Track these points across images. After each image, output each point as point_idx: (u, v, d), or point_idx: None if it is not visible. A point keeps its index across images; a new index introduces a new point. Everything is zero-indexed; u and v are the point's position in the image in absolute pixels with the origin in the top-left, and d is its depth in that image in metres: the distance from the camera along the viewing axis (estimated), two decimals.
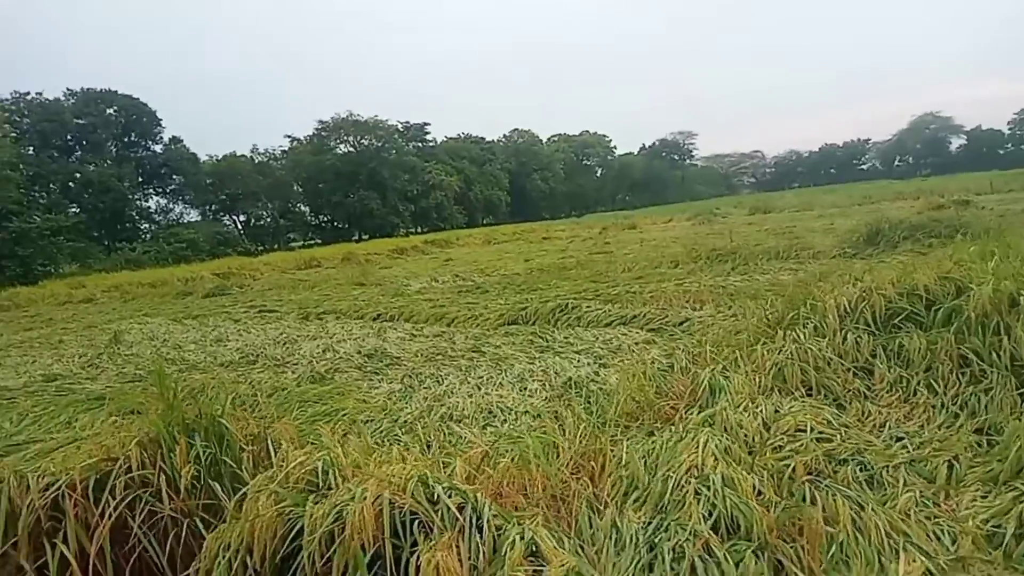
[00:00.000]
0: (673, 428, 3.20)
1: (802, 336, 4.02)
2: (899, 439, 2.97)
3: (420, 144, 69.11)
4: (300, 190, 63.37)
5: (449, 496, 2.02)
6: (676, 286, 9.11)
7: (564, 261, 16.23)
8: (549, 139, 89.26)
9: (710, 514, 2.16)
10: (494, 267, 16.48)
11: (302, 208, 65.22)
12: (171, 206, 56.66)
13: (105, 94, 50.28)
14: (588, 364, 5.31)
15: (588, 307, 7.57)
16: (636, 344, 5.88)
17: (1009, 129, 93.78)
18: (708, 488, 2.25)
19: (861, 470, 2.57)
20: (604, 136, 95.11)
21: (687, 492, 2.28)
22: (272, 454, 2.76)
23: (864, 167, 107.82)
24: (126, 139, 52.51)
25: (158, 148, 54.36)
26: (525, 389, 4.73)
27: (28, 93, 46.77)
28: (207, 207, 58.42)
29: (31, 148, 45.60)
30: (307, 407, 4.58)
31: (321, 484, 2.23)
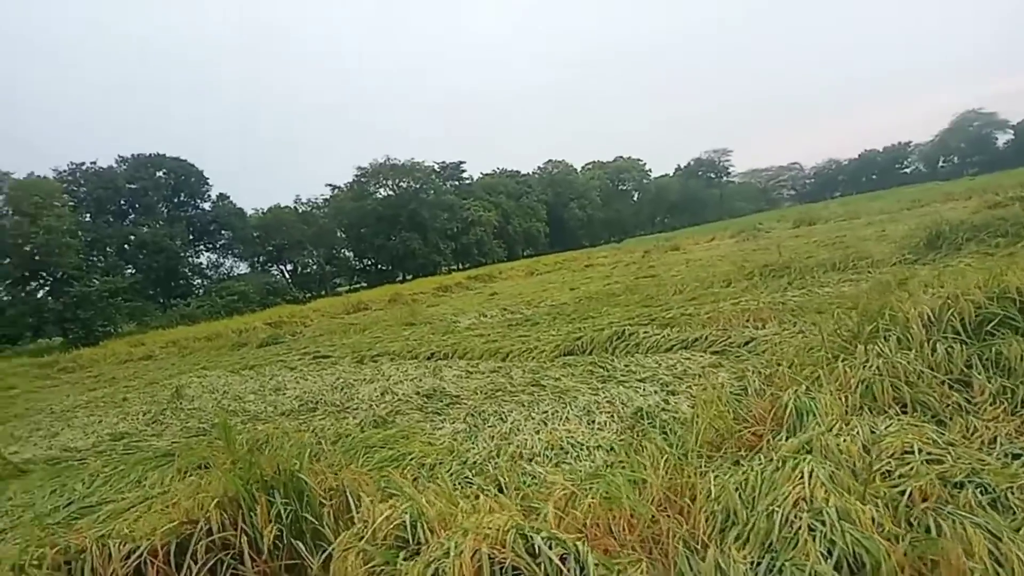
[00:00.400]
0: (763, 456, 3.02)
1: (887, 349, 3.79)
2: (1016, 456, 2.73)
3: (457, 183, 70.18)
4: (343, 236, 64.71)
5: (549, 547, 1.90)
6: (733, 305, 8.88)
7: (610, 287, 16.04)
8: (583, 167, 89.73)
9: (829, 552, 1.98)
10: (540, 298, 16.39)
11: (346, 253, 66.52)
12: (221, 260, 58.51)
13: (154, 158, 52.58)
14: (655, 392, 5.13)
15: (645, 333, 7.38)
16: (702, 368, 5.68)
17: None
18: (823, 522, 2.08)
19: (982, 493, 2.35)
20: (638, 160, 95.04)
21: (799, 528, 2.10)
22: (353, 508, 2.68)
23: (907, 170, 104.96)
24: (176, 199, 54.66)
25: (206, 206, 56.44)
26: (593, 422, 4.58)
27: (83, 163, 49.16)
28: (255, 259, 60.04)
29: (88, 215, 47.77)
30: (373, 453, 4.51)
31: (411, 539, 2.13)
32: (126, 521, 4.18)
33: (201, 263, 57.39)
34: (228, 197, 57.52)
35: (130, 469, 5.48)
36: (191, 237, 54.92)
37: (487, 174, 77.19)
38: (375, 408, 6.48)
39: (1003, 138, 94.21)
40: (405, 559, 1.97)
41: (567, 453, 4.01)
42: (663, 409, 4.54)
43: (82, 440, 7.62)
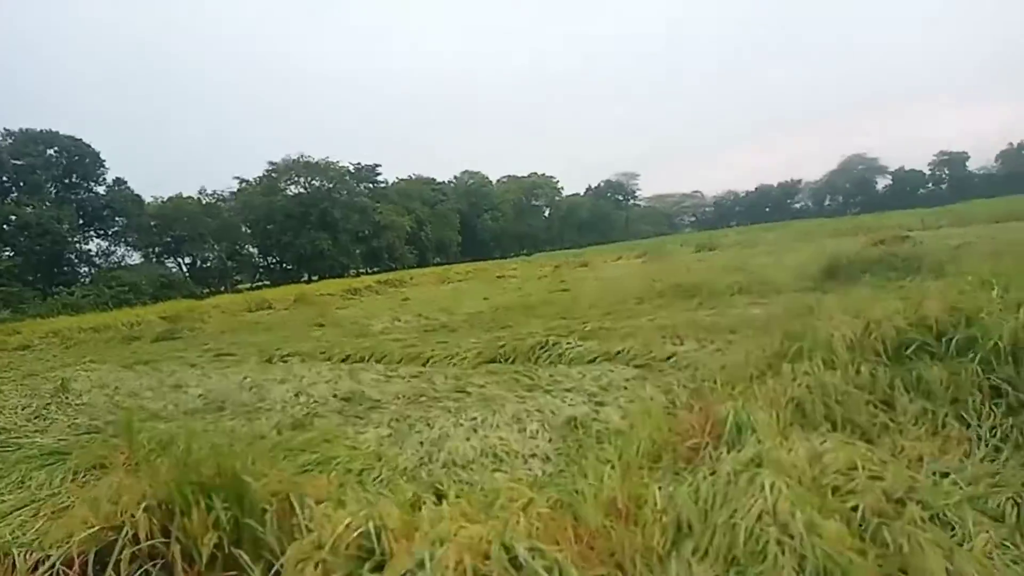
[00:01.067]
0: (706, 469, 3.03)
1: (814, 369, 3.93)
2: (944, 475, 2.86)
3: (371, 185, 68.83)
4: (248, 231, 62.01)
5: (533, 558, 1.79)
6: (649, 322, 9.07)
7: (525, 299, 16.07)
8: (499, 180, 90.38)
9: (800, 566, 1.98)
10: (455, 306, 16.22)
11: (250, 250, 63.70)
12: (113, 248, 54.37)
13: (45, 134, 48.57)
14: (583, 403, 5.11)
15: (568, 344, 7.41)
16: (626, 381, 5.73)
17: (929, 170, 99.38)
18: (791, 536, 2.07)
19: (922, 509, 2.43)
20: (552, 177, 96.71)
21: (766, 541, 2.09)
22: (300, 514, 2.45)
23: (797, 205, 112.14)
24: (67, 180, 50.49)
25: (101, 190, 52.45)
26: (525, 430, 4.50)
27: None
28: (150, 249, 56.46)
29: None
30: (295, 456, 4.23)
31: (376, 549, 1.96)
32: (8, 526, 3.73)
33: (90, 250, 53.14)
34: (125, 182, 53.71)
35: (10, 468, 4.92)
36: (81, 222, 50.86)
37: (403, 179, 76.33)
38: (290, 410, 6.14)
39: (882, 182, 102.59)
40: (370, 571, 1.80)
41: (502, 461, 3.91)
42: (594, 419, 4.51)
43: None
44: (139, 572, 2.11)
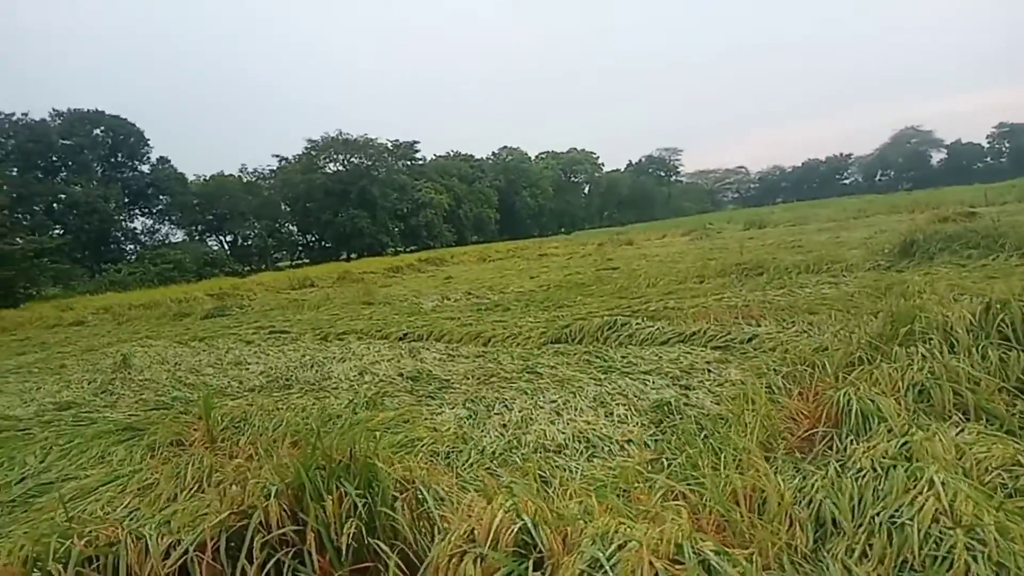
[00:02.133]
0: (835, 460, 2.80)
1: (935, 352, 3.64)
2: None
3: (410, 162, 68.89)
4: (288, 209, 62.71)
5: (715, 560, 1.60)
6: (716, 301, 8.76)
7: (574, 278, 15.81)
8: (537, 156, 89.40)
9: None
10: (501, 284, 16.07)
11: (290, 228, 64.50)
12: (157, 227, 55.86)
13: (92, 115, 49.69)
14: (667, 386, 4.89)
15: (637, 324, 7.16)
16: (708, 363, 5.48)
17: (988, 142, 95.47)
18: (982, 542, 1.84)
19: None
20: (592, 153, 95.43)
21: (952, 545, 1.86)
22: (432, 504, 2.30)
23: (846, 182, 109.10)
24: (113, 160, 51.81)
25: (145, 168, 53.79)
26: (612, 414, 4.31)
27: (13, 114, 45.97)
28: (193, 227, 57.59)
29: (14, 169, 44.69)
30: (378, 437, 4.12)
31: (540, 545, 1.79)
32: (98, 502, 3.70)
33: (135, 228, 54.75)
34: (169, 161, 54.97)
35: (88, 442, 4.94)
36: (126, 200, 52.22)
37: (440, 156, 76.16)
38: (358, 388, 6.06)
39: (937, 156, 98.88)
40: (528, 569, 1.64)
41: (595, 447, 3.72)
42: (685, 404, 4.29)
43: (21, 408, 6.92)
44: (271, 561, 1.99)
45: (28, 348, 13.78)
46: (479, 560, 1.74)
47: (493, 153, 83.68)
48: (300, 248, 65.98)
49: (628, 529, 1.79)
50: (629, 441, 3.75)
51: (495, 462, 3.64)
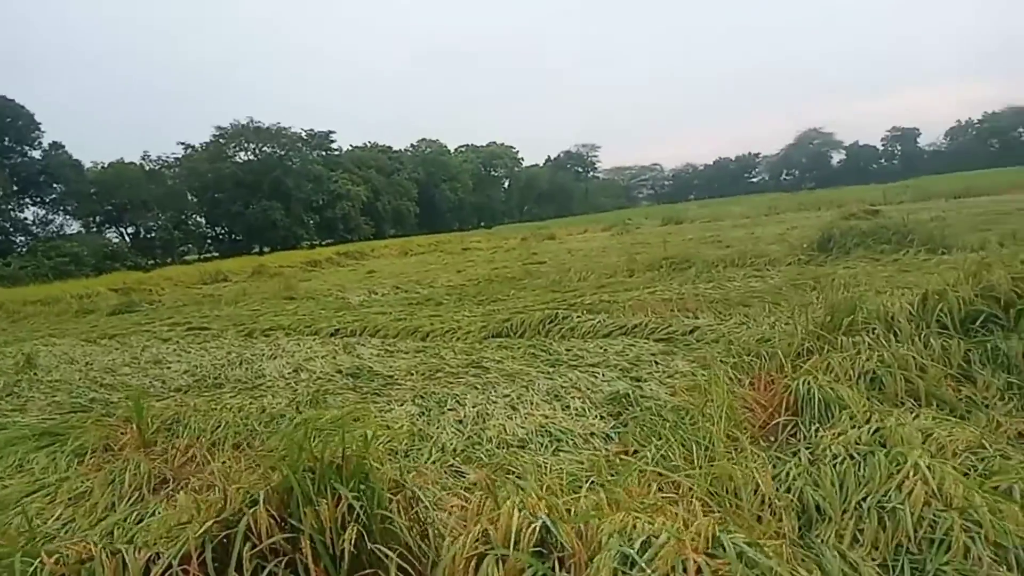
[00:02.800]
0: (804, 448, 2.86)
1: (881, 342, 3.79)
2: None
3: (325, 153, 66.91)
4: (195, 200, 59.72)
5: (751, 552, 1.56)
6: (650, 295, 8.91)
7: (502, 272, 15.80)
8: (456, 149, 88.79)
9: (999, 556, 1.80)
10: (428, 278, 15.86)
11: (197, 219, 61.44)
12: (51, 217, 51.85)
13: None
14: (618, 378, 4.89)
15: (578, 318, 7.18)
16: (653, 355, 5.53)
17: (882, 145, 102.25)
18: (978, 523, 1.89)
19: None
20: (511, 147, 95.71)
21: (948, 527, 1.90)
22: (428, 505, 2.16)
23: (755, 179, 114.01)
24: None
25: (36, 154, 49.73)
26: (568, 407, 4.27)
27: None
28: (91, 218, 53.96)
29: None
30: (333, 437, 3.93)
31: (559, 543, 1.69)
32: (21, 515, 3.34)
33: (26, 218, 50.69)
34: (63, 146, 51.08)
35: (3, 450, 4.47)
36: (15, 188, 48.26)
37: (357, 147, 74.38)
38: (295, 386, 5.78)
39: (836, 157, 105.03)
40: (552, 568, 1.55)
41: (559, 440, 3.66)
42: (641, 395, 4.30)
43: None
44: (264, 572, 1.81)
45: None
46: (500, 562, 1.64)
47: (412, 145, 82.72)
48: (208, 241, 62.96)
49: (647, 524, 1.73)
50: (592, 434, 3.72)
51: (458, 459, 3.53)
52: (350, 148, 72.79)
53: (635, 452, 3.29)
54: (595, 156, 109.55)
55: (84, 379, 7.27)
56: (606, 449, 3.47)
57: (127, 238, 56.32)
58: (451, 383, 5.33)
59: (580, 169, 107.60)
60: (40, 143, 50.22)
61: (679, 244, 17.72)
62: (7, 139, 48.33)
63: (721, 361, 4.86)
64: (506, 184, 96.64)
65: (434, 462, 3.49)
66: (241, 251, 56.16)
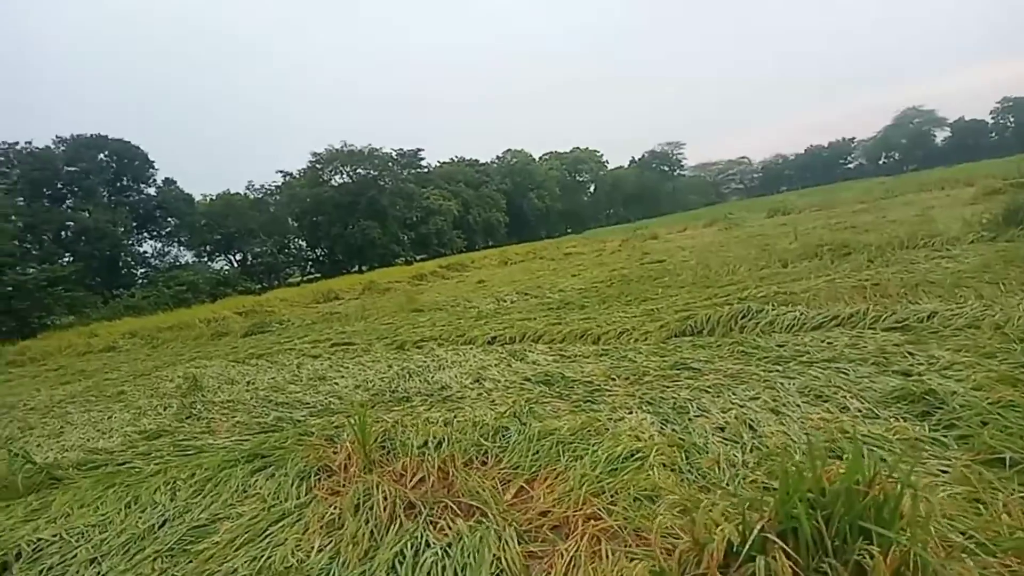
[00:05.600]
0: None
1: None
2: None
3: (415, 170, 68.20)
4: (296, 224, 62.15)
5: None
6: (828, 283, 8.12)
7: (622, 272, 15.18)
8: (541, 157, 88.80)
9: None
10: (548, 284, 15.43)
11: (299, 243, 63.93)
12: (167, 249, 55.21)
13: (96, 139, 49.23)
14: (878, 372, 4.25)
15: (773, 311, 6.52)
16: (899, 346, 4.82)
17: (992, 118, 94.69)
18: None
19: None
20: (595, 151, 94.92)
21: None
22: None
23: (851, 166, 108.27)
24: (118, 184, 51.32)
25: (151, 191, 53.26)
26: (846, 408, 3.68)
27: (17, 143, 45.52)
28: (202, 248, 57.05)
29: (22, 199, 44.16)
30: (584, 452, 3.52)
31: None
32: (283, 547, 3.07)
33: (145, 251, 54.16)
34: (175, 182, 54.44)
35: (215, 474, 4.30)
36: (134, 224, 51.66)
37: (445, 162, 75.60)
38: (490, 396, 5.42)
39: (941, 135, 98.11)
40: None
41: (876, 450, 3.07)
42: (930, 390, 3.64)
43: (104, 440, 6.31)
44: None
45: (70, 377, 13.17)
46: None
47: (497, 156, 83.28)
48: (310, 263, 65.36)
49: None
50: (917, 439, 3.11)
51: (762, 475, 3.00)
52: (438, 164, 74.14)
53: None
54: (680, 154, 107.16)
55: (255, 398, 7.22)
56: (955, 458, 2.85)
57: (235, 264, 59.14)
58: (667, 387, 4.82)
59: (666, 168, 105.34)
60: (154, 180, 53.72)
61: (811, 233, 16.56)
62: (125, 178, 51.88)
63: (1005, 350, 4.15)
64: (592, 188, 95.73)
65: (743, 480, 2.99)
66: (341, 270, 58.04)
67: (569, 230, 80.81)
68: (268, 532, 3.29)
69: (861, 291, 7.07)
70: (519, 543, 2.74)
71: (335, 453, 4.34)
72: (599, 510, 2.88)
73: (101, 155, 49.69)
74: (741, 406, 4.03)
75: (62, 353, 19.38)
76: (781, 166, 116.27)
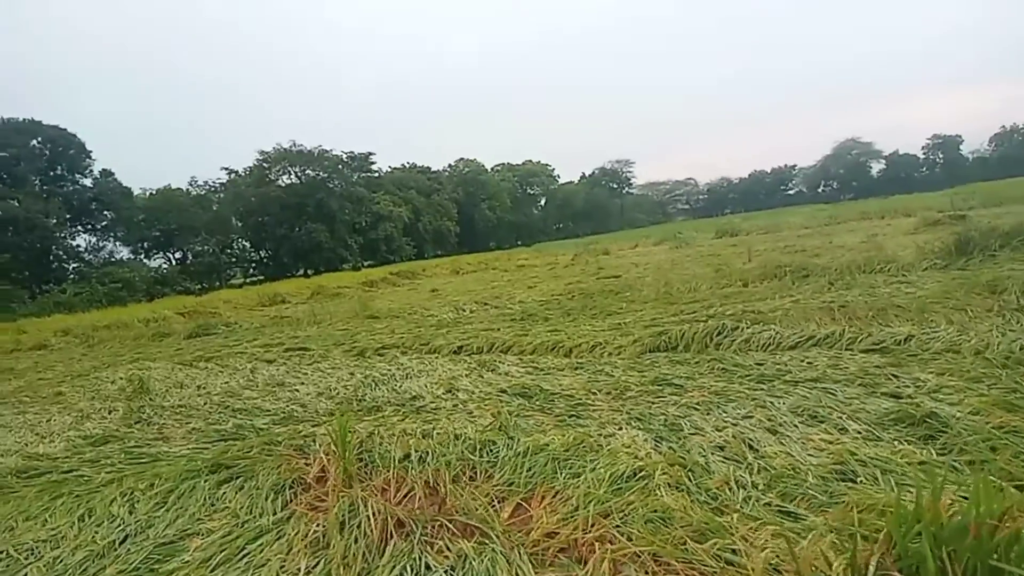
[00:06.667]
0: None
1: None
2: None
3: (366, 174, 67.23)
4: (240, 224, 60.34)
5: None
6: (793, 303, 8.21)
7: (580, 286, 15.11)
8: (494, 168, 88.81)
9: None
10: (503, 295, 15.28)
11: (243, 243, 62.06)
12: (102, 244, 52.74)
13: (28, 124, 46.77)
14: (867, 395, 4.22)
15: (748, 329, 6.50)
16: (881, 368, 4.82)
17: (923, 154, 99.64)
18: None
19: None
20: (547, 165, 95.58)
21: None
22: None
23: (791, 192, 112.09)
24: (52, 173, 48.72)
25: (88, 182, 50.81)
26: (845, 430, 3.62)
27: None
28: (140, 244, 54.77)
29: None
30: (583, 470, 3.34)
31: None
32: (264, 568, 2.79)
33: (78, 245, 51.60)
34: (113, 174, 52.19)
35: (177, 485, 3.97)
36: (67, 216, 49.18)
37: (396, 168, 74.81)
38: (467, 407, 5.20)
39: (876, 167, 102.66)
40: None
41: (887, 473, 3.00)
42: (929, 414, 3.61)
43: (44, 445, 5.82)
44: None
45: None
46: None
47: (450, 165, 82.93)
48: (253, 264, 63.54)
49: None
50: (922, 463, 3.05)
51: (775, 496, 2.89)
52: (389, 169, 73.21)
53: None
54: (630, 172, 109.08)
55: (209, 404, 6.82)
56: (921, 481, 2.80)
57: (174, 263, 56.96)
58: (652, 403, 4.70)
59: (615, 185, 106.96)
60: (91, 171, 51.39)
61: (763, 254, 16.90)
62: (60, 168, 49.41)
63: (988, 374, 4.18)
64: (543, 202, 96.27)
65: (752, 500, 2.87)
66: (286, 273, 56.63)
67: (519, 242, 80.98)
68: (245, 551, 3.00)
69: (829, 312, 7.13)
70: (533, 568, 2.55)
71: (307, 465, 4.06)
72: (612, 532, 2.71)
73: (34, 141, 47.20)
74: (735, 424, 3.93)
75: None
76: (726, 189, 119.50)
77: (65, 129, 49.22)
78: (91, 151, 50.75)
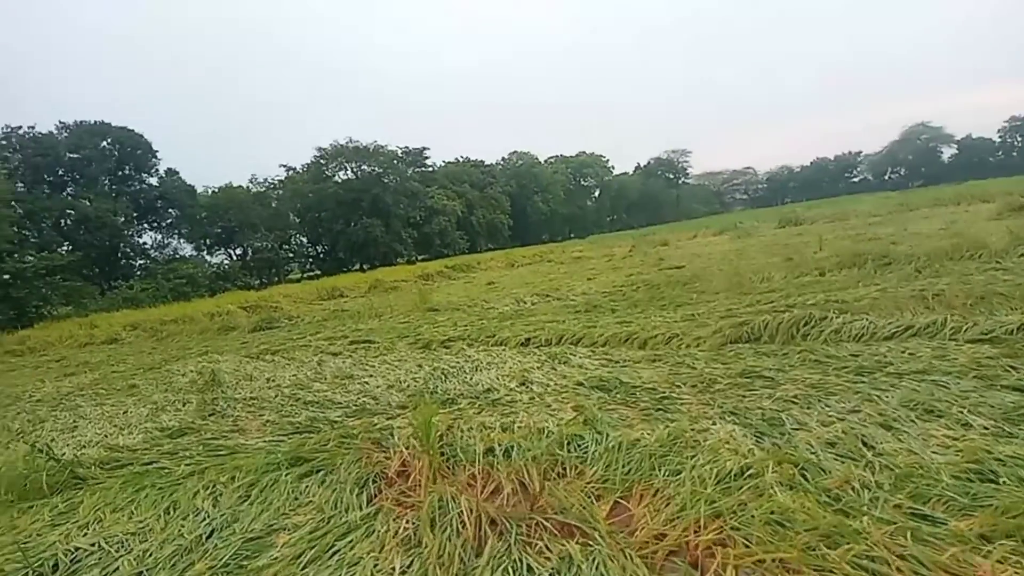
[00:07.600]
0: None
1: None
2: None
3: (420, 169, 67.61)
4: (297, 220, 61.54)
5: None
6: (880, 292, 7.77)
7: (642, 277, 14.81)
8: (547, 160, 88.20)
9: None
10: (563, 287, 15.05)
11: (300, 239, 63.32)
12: (167, 241, 54.48)
13: (99, 127, 48.54)
14: (987, 387, 3.90)
15: (838, 319, 6.16)
16: (993, 359, 4.47)
17: (999, 137, 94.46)
18: None
19: None
20: (601, 156, 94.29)
21: None
22: None
23: (856, 180, 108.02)
24: (120, 173, 50.43)
25: (153, 181, 52.43)
26: (970, 425, 3.32)
27: (20, 127, 44.97)
28: (202, 240, 56.39)
29: (22, 184, 43.52)
30: (683, 467, 3.15)
31: None
32: (357, 567, 2.70)
33: (144, 243, 53.33)
34: (177, 172, 53.71)
35: (258, 478, 3.94)
36: (135, 214, 50.96)
37: (450, 162, 75.00)
38: (544, 400, 5.05)
39: (947, 152, 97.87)
40: None
41: (1016, 475, 2.72)
42: None
43: (123, 437, 5.92)
44: None
45: (73, 368, 12.77)
46: None
47: (503, 158, 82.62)
48: (311, 259, 64.74)
49: None
50: None
51: (910, 500, 2.64)
52: (443, 164, 73.50)
53: None
54: (686, 161, 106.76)
55: (280, 396, 6.84)
56: None
57: (235, 258, 58.44)
58: (743, 396, 4.46)
59: (671, 175, 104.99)
60: (157, 170, 52.95)
61: (835, 242, 16.24)
62: (128, 167, 51.14)
63: None
64: (597, 193, 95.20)
65: (881, 502, 2.63)
66: (342, 268, 57.56)
67: (572, 235, 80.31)
68: (335, 547, 2.92)
69: (923, 301, 6.72)
70: (649, 572, 2.38)
71: (387, 458, 3.99)
72: (728, 535, 2.52)
73: (104, 142, 48.91)
74: (841, 419, 3.67)
75: (63, 343, 18.95)
76: (786, 177, 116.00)
77: (133, 130, 50.83)
78: (157, 151, 52.46)
